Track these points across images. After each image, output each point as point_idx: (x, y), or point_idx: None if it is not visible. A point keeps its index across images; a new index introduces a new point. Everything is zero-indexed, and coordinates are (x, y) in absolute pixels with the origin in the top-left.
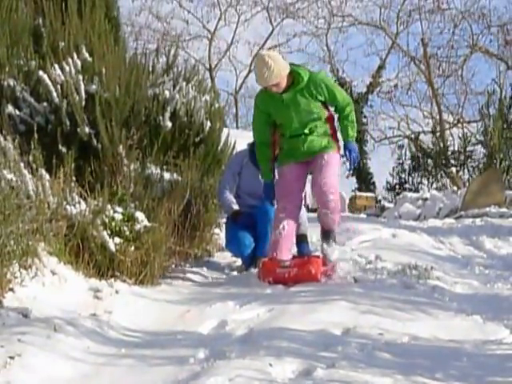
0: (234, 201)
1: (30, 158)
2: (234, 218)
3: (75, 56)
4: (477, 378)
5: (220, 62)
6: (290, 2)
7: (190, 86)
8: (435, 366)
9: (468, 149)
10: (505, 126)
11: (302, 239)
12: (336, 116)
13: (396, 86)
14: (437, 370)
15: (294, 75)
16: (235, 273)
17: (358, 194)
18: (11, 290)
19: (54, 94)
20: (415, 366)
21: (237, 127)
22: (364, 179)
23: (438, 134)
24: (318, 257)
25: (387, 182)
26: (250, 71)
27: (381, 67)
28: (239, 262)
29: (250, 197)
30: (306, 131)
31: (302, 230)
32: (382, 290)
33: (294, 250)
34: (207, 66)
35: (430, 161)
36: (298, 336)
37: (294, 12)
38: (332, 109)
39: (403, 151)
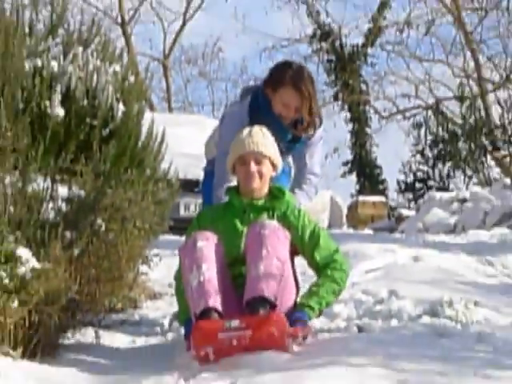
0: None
1: None
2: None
3: None
4: None
5: (138, 13)
6: None
7: (89, 51)
8: None
9: None
10: None
11: None
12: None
13: (409, 23)
14: None
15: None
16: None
17: (362, 198)
18: None
19: None
20: None
21: (169, 109)
22: (368, 175)
23: (476, 99)
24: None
25: (400, 181)
26: (184, 23)
27: (384, 4)
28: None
29: None
30: None
31: None
32: (401, 344)
33: None
34: (118, 19)
35: (465, 142)
36: None
37: None
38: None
39: (422, 131)
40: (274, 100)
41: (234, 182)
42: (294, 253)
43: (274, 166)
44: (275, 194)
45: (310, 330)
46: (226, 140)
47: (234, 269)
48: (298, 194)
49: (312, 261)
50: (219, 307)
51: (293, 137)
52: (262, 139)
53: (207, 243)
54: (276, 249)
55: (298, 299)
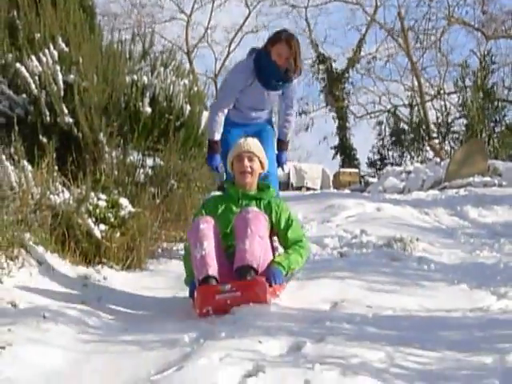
0: (220, 130)
1: (12, 150)
2: (210, 147)
3: (51, 47)
4: (466, 346)
5: (198, 46)
6: None
7: (167, 70)
8: (424, 336)
9: (448, 120)
10: (482, 96)
11: None
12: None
13: (375, 57)
14: (426, 341)
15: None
16: None
17: (342, 170)
18: None
19: (33, 86)
20: (404, 338)
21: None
22: (347, 155)
23: (419, 106)
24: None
25: (368, 158)
26: (228, 53)
27: (361, 41)
28: None
29: (251, 110)
30: None
31: None
32: (368, 264)
33: None
34: (185, 49)
35: (410, 134)
36: (286, 313)
37: None
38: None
39: (383, 126)
40: (272, 52)
41: (216, 137)
42: (272, 234)
43: (262, 164)
44: (262, 188)
45: (283, 286)
46: (225, 97)
47: (227, 240)
48: (291, 123)
49: (285, 239)
50: (216, 275)
51: (282, 78)
52: (254, 144)
53: (207, 225)
54: (258, 228)
55: (274, 259)
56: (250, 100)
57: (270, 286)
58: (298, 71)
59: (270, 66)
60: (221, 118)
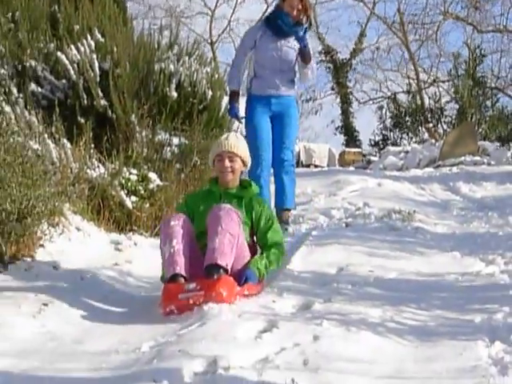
0: (236, 83)
1: (53, 129)
2: (230, 97)
3: (89, 37)
4: (457, 307)
5: (221, 38)
6: None
7: (192, 59)
8: (420, 297)
9: (442, 106)
10: (472, 84)
11: None
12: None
13: (378, 48)
14: (421, 301)
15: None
16: None
17: (347, 149)
18: (42, 245)
19: (72, 72)
20: (402, 298)
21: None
22: (351, 136)
23: (416, 93)
24: (229, 275)
25: (370, 140)
26: None
27: (362, 34)
28: None
29: (270, 72)
30: None
31: None
32: (371, 233)
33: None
34: (208, 41)
35: (408, 118)
36: (297, 275)
37: None
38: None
39: (383, 111)
40: (284, 5)
41: (234, 87)
42: (253, 233)
43: (244, 163)
44: (244, 185)
45: (261, 286)
46: (237, 55)
47: (205, 238)
48: (313, 67)
49: (263, 238)
50: (184, 273)
51: (293, 25)
52: (236, 142)
53: (178, 222)
54: (228, 226)
55: (252, 260)
56: (264, 56)
57: (239, 285)
58: (308, 18)
59: (281, 14)
60: (235, 73)
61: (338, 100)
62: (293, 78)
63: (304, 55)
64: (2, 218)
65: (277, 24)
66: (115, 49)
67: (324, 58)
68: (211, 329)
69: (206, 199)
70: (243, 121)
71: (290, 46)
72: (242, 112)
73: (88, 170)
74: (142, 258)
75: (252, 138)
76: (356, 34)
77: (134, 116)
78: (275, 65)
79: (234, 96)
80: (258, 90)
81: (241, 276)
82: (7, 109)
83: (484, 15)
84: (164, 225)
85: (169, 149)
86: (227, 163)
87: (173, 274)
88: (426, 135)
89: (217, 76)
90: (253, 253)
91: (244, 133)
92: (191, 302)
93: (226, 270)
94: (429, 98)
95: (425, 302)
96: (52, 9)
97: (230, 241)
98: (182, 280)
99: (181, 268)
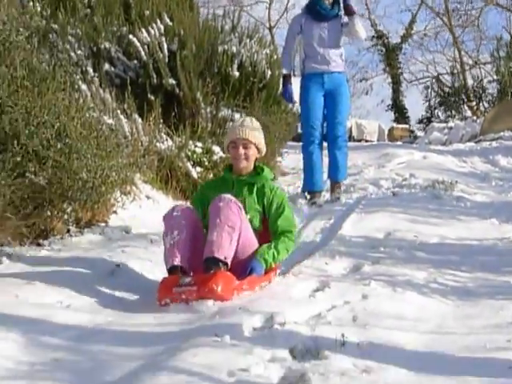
0: (288, 66)
1: (125, 105)
2: (284, 81)
3: (158, 21)
4: (495, 269)
5: (278, 22)
6: None
7: (253, 41)
8: (461, 260)
9: (483, 85)
10: None
11: None
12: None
13: (426, 34)
14: (463, 263)
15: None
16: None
17: (395, 125)
18: (115, 212)
19: (142, 53)
20: (445, 261)
21: (294, 74)
22: (400, 113)
23: (459, 74)
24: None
25: (418, 117)
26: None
27: (412, 21)
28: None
29: (318, 46)
30: None
31: None
32: (416, 201)
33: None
34: (267, 25)
35: (452, 97)
36: (348, 240)
37: None
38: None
39: (429, 90)
40: None
41: (285, 71)
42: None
43: (258, 150)
44: (258, 171)
45: (270, 277)
46: (287, 40)
47: None
48: (358, 22)
49: (274, 225)
50: (183, 264)
51: (331, 8)
52: (251, 129)
53: (181, 213)
54: (228, 218)
55: (259, 249)
56: (310, 36)
57: (243, 277)
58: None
59: (320, 2)
60: (286, 57)
61: (389, 80)
62: (341, 53)
63: (347, 8)
64: (79, 186)
65: (316, 10)
66: (182, 32)
67: (376, 42)
68: (269, 289)
69: (220, 187)
70: (297, 100)
71: (333, 24)
72: (295, 93)
73: (157, 143)
74: None
75: (305, 116)
76: (406, 21)
77: (199, 94)
78: (323, 43)
79: (287, 79)
80: (310, 68)
81: (246, 267)
82: (84, 87)
83: None
84: (166, 216)
85: (231, 123)
86: (241, 150)
87: (171, 265)
88: (469, 113)
89: (275, 57)
90: (266, 240)
91: (299, 111)
92: (184, 296)
93: (225, 264)
94: (472, 78)
95: (465, 265)
96: None
97: (229, 233)
98: (180, 273)
99: (179, 260)
